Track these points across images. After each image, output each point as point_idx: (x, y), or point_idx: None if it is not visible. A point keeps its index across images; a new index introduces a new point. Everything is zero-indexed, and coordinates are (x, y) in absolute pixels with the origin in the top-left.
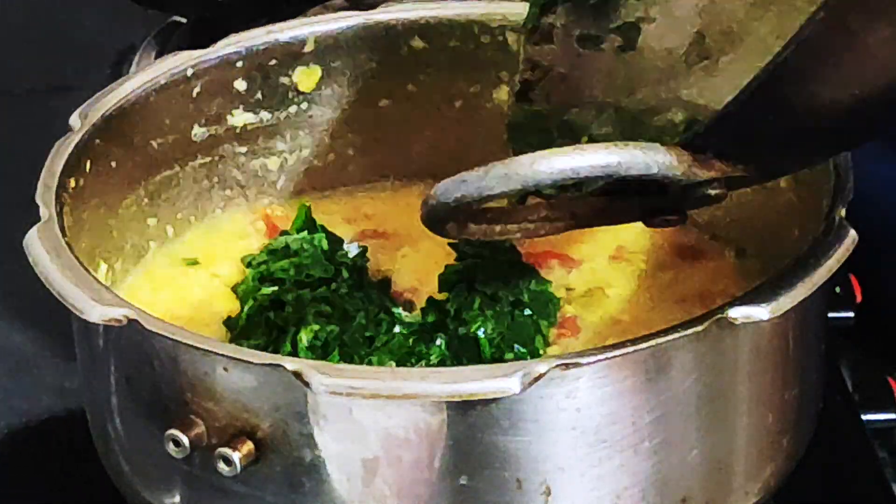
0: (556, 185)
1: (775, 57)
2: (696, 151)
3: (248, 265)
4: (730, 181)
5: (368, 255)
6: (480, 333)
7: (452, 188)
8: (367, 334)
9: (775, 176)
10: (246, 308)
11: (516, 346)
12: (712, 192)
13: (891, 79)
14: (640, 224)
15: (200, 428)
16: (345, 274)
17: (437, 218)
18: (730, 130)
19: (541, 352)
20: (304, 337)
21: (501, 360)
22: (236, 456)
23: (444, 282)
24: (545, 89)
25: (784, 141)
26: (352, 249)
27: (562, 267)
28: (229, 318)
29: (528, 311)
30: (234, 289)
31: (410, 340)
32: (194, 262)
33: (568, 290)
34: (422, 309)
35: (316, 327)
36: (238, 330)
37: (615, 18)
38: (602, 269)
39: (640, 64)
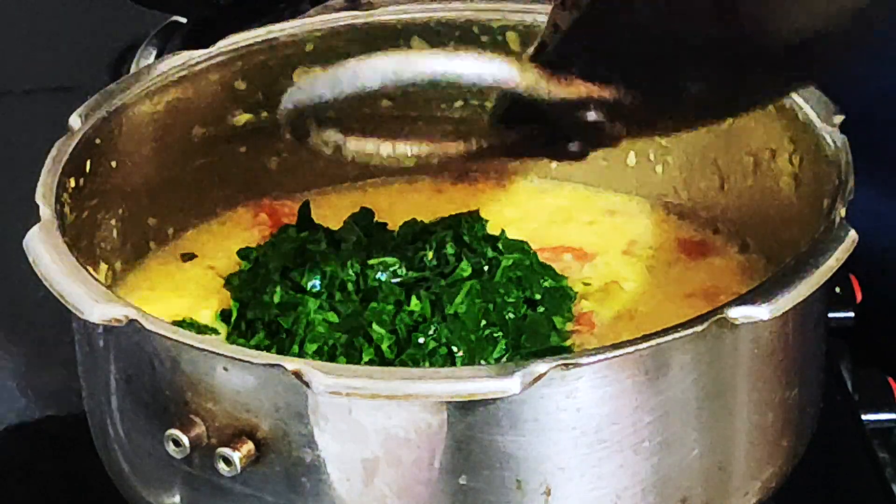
0: (388, 89)
1: None
2: (555, 67)
3: (245, 258)
4: (612, 109)
5: None
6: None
7: (290, 95)
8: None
9: (669, 110)
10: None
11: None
12: (590, 117)
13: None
14: (647, 219)
15: (200, 428)
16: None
17: (292, 128)
18: (584, 43)
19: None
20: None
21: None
22: (236, 456)
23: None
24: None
25: (645, 60)
26: None
27: (576, 261)
28: (223, 311)
29: (541, 309)
30: (228, 280)
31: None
32: (191, 256)
33: (585, 284)
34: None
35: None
36: (234, 326)
37: None
38: (616, 262)
39: None
